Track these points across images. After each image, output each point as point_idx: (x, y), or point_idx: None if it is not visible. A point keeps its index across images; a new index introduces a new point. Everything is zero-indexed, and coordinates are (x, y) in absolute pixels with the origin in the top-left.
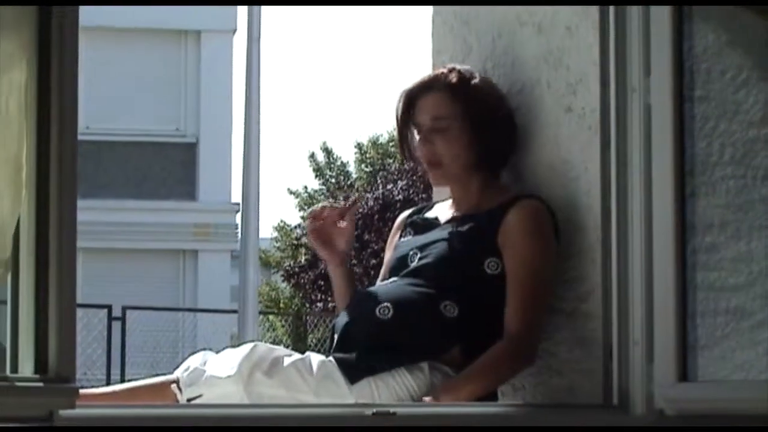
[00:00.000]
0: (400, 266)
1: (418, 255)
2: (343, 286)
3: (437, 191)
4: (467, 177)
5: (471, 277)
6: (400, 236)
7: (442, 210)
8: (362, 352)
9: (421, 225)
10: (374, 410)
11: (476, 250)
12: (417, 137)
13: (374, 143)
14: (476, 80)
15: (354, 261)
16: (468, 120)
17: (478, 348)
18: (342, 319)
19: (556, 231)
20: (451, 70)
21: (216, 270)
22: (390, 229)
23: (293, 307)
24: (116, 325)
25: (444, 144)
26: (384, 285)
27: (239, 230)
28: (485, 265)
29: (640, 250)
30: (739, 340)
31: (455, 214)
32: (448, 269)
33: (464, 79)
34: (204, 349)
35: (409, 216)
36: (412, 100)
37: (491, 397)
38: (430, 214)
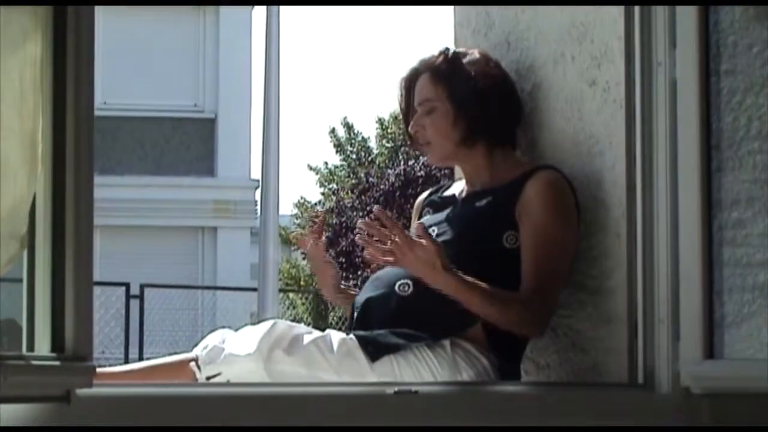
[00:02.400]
0: None
1: (436, 232)
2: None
3: (458, 168)
4: (464, 153)
5: (490, 252)
6: (420, 217)
7: (460, 187)
8: (383, 330)
9: (439, 203)
10: (396, 388)
11: (494, 224)
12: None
13: (396, 118)
14: (464, 58)
15: None
16: (451, 98)
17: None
18: (362, 296)
19: (575, 202)
20: (440, 53)
21: (235, 247)
22: (412, 206)
23: (314, 284)
24: (134, 303)
25: (431, 126)
26: None
27: (259, 207)
28: (503, 240)
29: (665, 225)
30: (767, 317)
31: (472, 190)
32: (467, 244)
33: (448, 59)
34: (223, 328)
35: (428, 197)
36: (407, 87)
37: (512, 371)
38: (448, 193)
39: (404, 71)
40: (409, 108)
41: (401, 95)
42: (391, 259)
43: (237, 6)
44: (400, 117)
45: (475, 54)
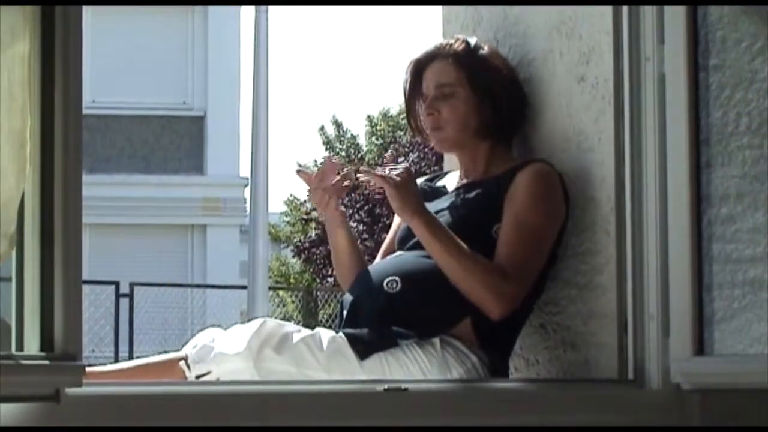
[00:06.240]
0: (407, 237)
1: None
2: (350, 246)
3: (448, 160)
4: (475, 144)
5: (479, 245)
6: None
7: (452, 179)
8: (372, 327)
9: (429, 193)
10: (386, 386)
11: (483, 216)
12: (423, 107)
13: (385, 116)
14: (483, 50)
15: (365, 235)
16: (474, 85)
17: (490, 319)
18: (350, 294)
19: (565, 196)
20: (457, 40)
21: (225, 245)
22: None
23: (304, 282)
24: (124, 302)
25: (449, 110)
26: (391, 258)
27: (248, 204)
28: (492, 232)
29: (655, 221)
30: (757, 313)
31: (463, 182)
32: (456, 236)
33: (470, 48)
34: (213, 326)
35: (419, 185)
36: (418, 70)
37: (501, 368)
38: (439, 183)
39: (416, 54)
40: (414, 92)
41: (409, 78)
42: (388, 184)
43: (226, 6)
44: (389, 114)
45: (487, 47)
